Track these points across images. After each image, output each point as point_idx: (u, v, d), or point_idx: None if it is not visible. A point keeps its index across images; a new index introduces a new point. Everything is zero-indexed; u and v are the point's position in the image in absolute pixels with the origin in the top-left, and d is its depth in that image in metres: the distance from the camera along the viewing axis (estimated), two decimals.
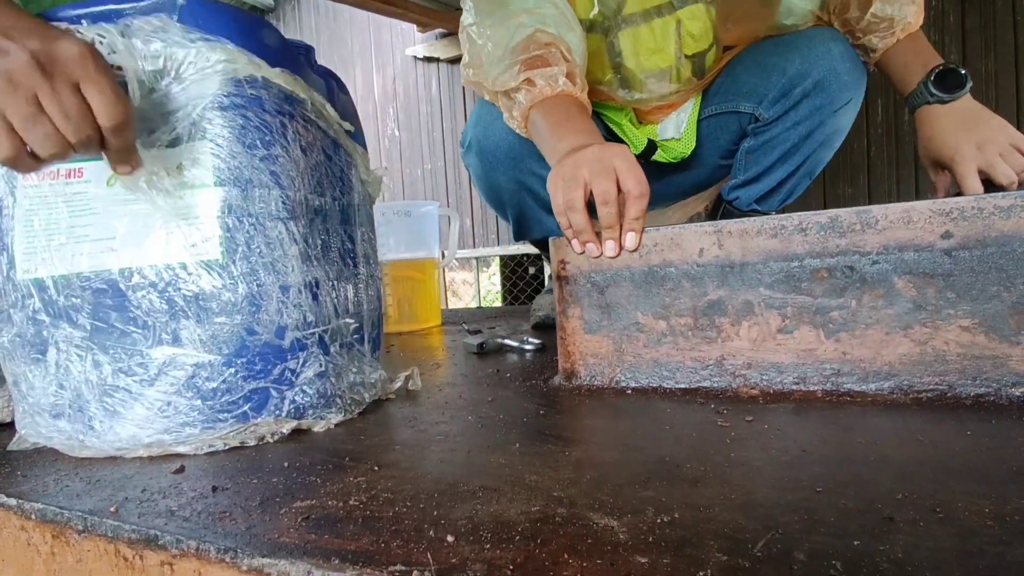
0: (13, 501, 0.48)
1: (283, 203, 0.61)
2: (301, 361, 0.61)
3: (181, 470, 0.52)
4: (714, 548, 0.33)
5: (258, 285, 0.59)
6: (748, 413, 0.58)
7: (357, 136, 0.79)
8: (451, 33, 3.81)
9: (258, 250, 0.59)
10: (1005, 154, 0.85)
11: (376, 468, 0.49)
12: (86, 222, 0.57)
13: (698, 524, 0.36)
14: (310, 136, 0.66)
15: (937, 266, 0.58)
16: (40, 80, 0.47)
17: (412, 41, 3.99)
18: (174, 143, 0.57)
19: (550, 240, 0.77)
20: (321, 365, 0.63)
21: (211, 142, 0.57)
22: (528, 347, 1.08)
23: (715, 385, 0.67)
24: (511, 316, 1.71)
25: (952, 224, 0.57)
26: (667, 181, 1.28)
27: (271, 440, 0.59)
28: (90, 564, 0.44)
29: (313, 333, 0.62)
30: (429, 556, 0.33)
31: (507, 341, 1.11)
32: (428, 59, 3.96)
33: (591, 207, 0.70)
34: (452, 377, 0.88)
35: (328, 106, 0.69)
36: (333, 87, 0.74)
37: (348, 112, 0.77)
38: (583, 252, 0.73)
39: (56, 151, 0.49)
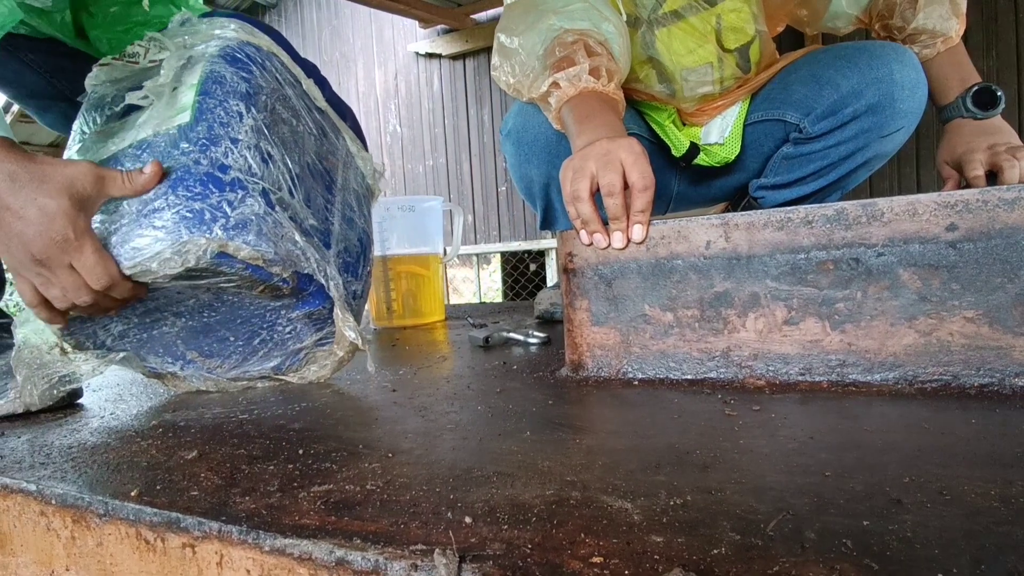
0: (33, 486, 0.49)
1: (247, 92, 0.72)
2: (239, 198, 0.66)
3: (198, 457, 0.53)
4: (727, 528, 0.33)
5: (210, 137, 0.67)
6: (755, 403, 0.59)
7: (352, 122, 0.91)
8: (453, 29, 3.81)
9: (219, 116, 0.69)
10: (1015, 156, 0.87)
11: (391, 455, 0.50)
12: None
13: (710, 506, 0.37)
14: (296, 107, 0.80)
15: (942, 258, 0.59)
16: (42, 269, 0.60)
17: (414, 37, 3.99)
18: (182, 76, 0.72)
19: (558, 233, 0.78)
20: (259, 210, 0.67)
21: (208, 63, 0.72)
22: (533, 340, 1.09)
23: (722, 376, 0.68)
24: (514, 310, 1.71)
25: (957, 216, 0.58)
26: (708, 184, 1.28)
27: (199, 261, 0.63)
28: (111, 548, 0.45)
29: (257, 184, 0.68)
30: (450, 535, 0.34)
31: (512, 335, 1.12)
32: (430, 55, 3.96)
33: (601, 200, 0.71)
34: (459, 369, 0.89)
35: (309, 79, 0.84)
36: (324, 81, 0.90)
37: (336, 100, 0.91)
38: (591, 243, 0.73)
39: (67, 307, 0.64)
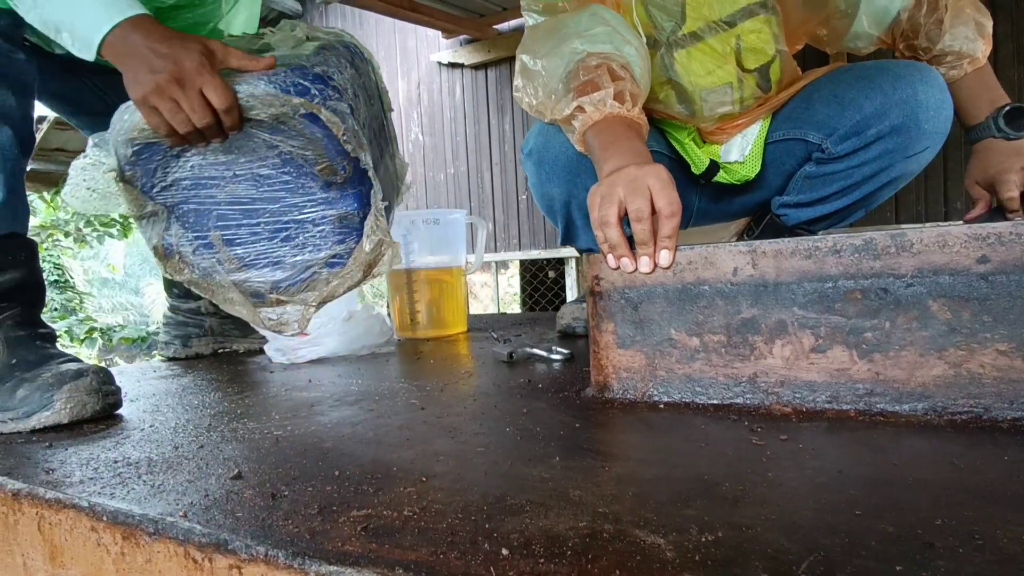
0: (85, 503, 0.52)
1: (351, 59, 0.90)
2: (334, 97, 0.82)
3: (239, 476, 0.55)
4: (759, 568, 0.34)
5: (324, 63, 0.85)
6: (782, 431, 0.60)
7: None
8: (475, 39, 3.84)
9: (331, 61, 0.86)
10: None
11: (424, 479, 0.52)
12: None
13: (742, 544, 0.37)
14: (373, 97, 0.96)
15: (973, 290, 0.59)
16: (178, 90, 0.76)
17: (437, 47, 4.04)
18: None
19: (584, 256, 0.79)
20: (346, 110, 0.84)
21: (328, 37, 0.91)
22: (556, 357, 1.10)
23: (748, 402, 0.68)
24: (536, 323, 1.73)
25: (989, 249, 0.58)
26: (728, 200, 1.28)
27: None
28: (159, 565, 0.47)
29: (344, 97, 0.85)
30: (492, 570, 0.35)
31: (535, 351, 1.13)
32: (452, 65, 4.00)
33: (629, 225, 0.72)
34: (485, 387, 0.90)
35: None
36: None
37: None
38: (617, 267, 0.74)
39: (189, 130, 0.78)
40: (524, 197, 3.86)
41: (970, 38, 1.01)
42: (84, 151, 0.86)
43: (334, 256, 0.88)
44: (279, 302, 0.89)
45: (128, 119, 0.82)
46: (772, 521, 0.40)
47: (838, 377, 0.65)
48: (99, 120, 1.08)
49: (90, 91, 1.13)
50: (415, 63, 4.17)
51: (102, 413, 0.82)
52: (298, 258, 0.88)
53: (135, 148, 0.83)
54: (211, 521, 0.45)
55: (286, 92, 0.79)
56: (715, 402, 0.70)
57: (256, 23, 1.15)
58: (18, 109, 0.87)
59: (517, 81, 1.00)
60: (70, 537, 0.53)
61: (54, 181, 5.69)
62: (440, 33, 3.92)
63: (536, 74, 0.95)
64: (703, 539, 0.38)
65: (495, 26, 3.81)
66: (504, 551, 0.38)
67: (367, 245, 0.88)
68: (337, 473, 0.55)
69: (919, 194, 2.74)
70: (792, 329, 0.66)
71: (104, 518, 0.50)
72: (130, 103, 0.81)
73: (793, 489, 0.45)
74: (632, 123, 0.86)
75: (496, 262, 4.07)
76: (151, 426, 0.77)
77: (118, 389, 0.86)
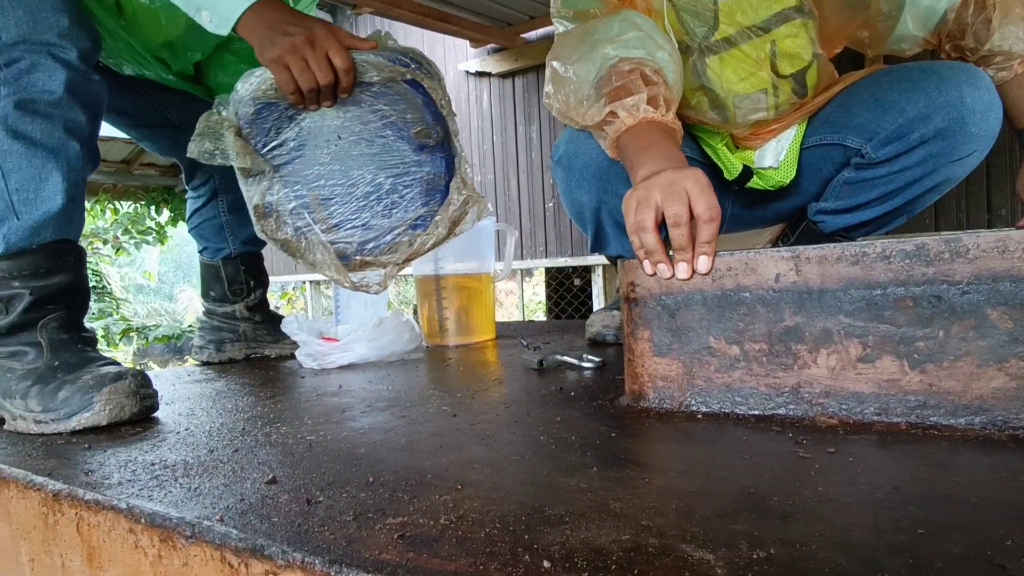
0: (124, 504, 0.52)
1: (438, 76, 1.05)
2: (433, 82, 1.04)
3: (273, 481, 0.55)
4: None
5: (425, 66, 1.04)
6: (829, 444, 0.57)
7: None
8: (502, 48, 3.86)
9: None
10: None
11: (459, 487, 0.51)
12: None
13: (796, 562, 0.36)
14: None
15: None
16: (309, 50, 0.90)
17: (465, 57, 4.06)
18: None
19: (619, 262, 0.78)
20: (443, 99, 1.04)
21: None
22: (587, 365, 1.08)
23: (791, 413, 0.66)
24: (564, 331, 1.71)
25: None
26: (762, 207, 1.26)
27: None
28: (196, 568, 0.47)
29: (445, 110, 1.05)
30: None
31: (566, 358, 1.12)
32: (480, 74, 4.02)
33: (665, 230, 0.71)
34: (516, 394, 0.89)
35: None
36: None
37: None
38: (654, 273, 0.73)
39: (312, 87, 0.93)
40: (551, 205, 3.85)
41: (1020, 38, 0.97)
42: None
43: (419, 218, 1.01)
44: (363, 264, 0.99)
45: (254, 81, 0.95)
46: (827, 538, 0.38)
47: (888, 388, 0.62)
48: (156, 131, 1.28)
49: (150, 105, 1.24)
50: (443, 72, 4.21)
51: (139, 415, 0.83)
52: (385, 221, 1.00)
53: (257, 107, 0.97)
54: (247, 526, 0.45)
55: (392, 63, 0.96)
56: (756, 413, 0.68)
57: None
58: (88, 127, 0.93)
59: (548, 87, 0.99)
60: (108, 539, 0.54)
61: (93, 191, 5.88)
62: (468, 43, 3.95)
63: (567, 80, 0.94)
64: (754, 556, 0.36)
65: (522, 35, 3.83)
66: (546, 563, 0.37)
67: (455, 202, 1.01)
68: (371, 479, 0.54)
69: (960, 201, 2.66)
70: (838, 338, 0.64)
71: (142, 520, 0.50)
72: (254, 70, 0.96)
73: (847, 505, 0.43)
74: (667, 128, 0.84)
75: (521, 270, 4.06)
76: (186, 429, 0.78)
77: (155, 392, 0.87)
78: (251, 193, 1.00)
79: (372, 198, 1.01)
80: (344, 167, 1.00)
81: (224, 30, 0.90)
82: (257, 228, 1.01)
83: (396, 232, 1.01)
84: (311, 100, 0.95)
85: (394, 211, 1.01)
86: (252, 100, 0.96)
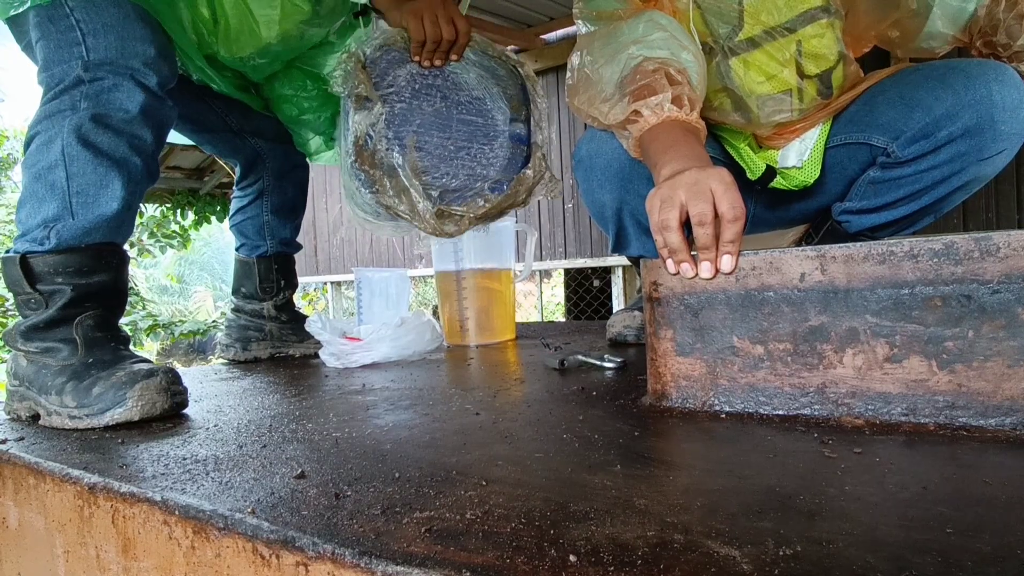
0: (158, 496, 0.53)
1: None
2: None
3: (302, 476, 0.56)
4: None
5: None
6: (855, 444, 0.57)
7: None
8: (523, 49, 3.87)
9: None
10: None
11: (484, 483, 0.51)
12: None
13: (823, 560, 0.35)
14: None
15: None
16: (441, 9, 1.14)
17: None
18: None
19: (642, 261, 0.78)
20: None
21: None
22: (609, 365, 1.08)
23: (816, 413, 0.66)
24: (585, 332, 1.71)
25: None
26: (785, 207, 1.25)
27: None
28: (228, 560, 0.48)
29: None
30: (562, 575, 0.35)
31: (587, 359, 1.12)
32: None
33: (688, 229, 0.71)
34: (538, 394, 0.89)
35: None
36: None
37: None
38: (677, 272, 0.73)
39: (437, 40, 1.15)
40: (570, 206, 3.85)
41: None
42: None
43: (497, 181, 1.16)
44: (441, 214, 1.10)
45: (383, 30, 1.17)
46: (854, 537, 0.38)
47: (915, 388, 0.61)
48: (218, 135, 1.38)
49: (213, 112, 1.34)
50: None
51: (170, 412, 0.85)
52: (470, 172, 1.14)
53: (384, 49, 1.15)
54: (278, 518, 0.46)
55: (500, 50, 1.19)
56: (780, 413, 0.67)
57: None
58: (152, 146, 0.99)
59: (570, 87, 1.00)
60: (143, 530, 0.55)
61: None
62: None
63: (591, 79, 0.95)
64: (781, 553, 0.36)
65: (542, 36, 3.83)
66: (572, 557, 0.37)
67: (533, 174, 1.20)
68: (397, 475, 0.55)
69: (989, 200, 2.60)
70: (864, 338, 0.63)
71: (176, 512, 0.51)
72: (379, 30, 1.18)
73: (874, 504, 0.43)
74: (691, 127, 0.84)
75: (540, 271, 4.06)
76: (215, 425, 0.80)
77: (185, 389, 0.89)
78: (357, 123, 1.11)
79: (463, 153, 1.16)
80: (443, 122, 1.16)
81: None
82: (352, 158, 1.11)
83: (478, 184, 1.16)
84: (431, 52, 1.14)
85: (478, 163, 1.15)
86: (380, 45, 1.14)
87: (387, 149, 1.13)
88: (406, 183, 1.12)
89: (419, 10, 1.11)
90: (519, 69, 1.22)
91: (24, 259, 0.89)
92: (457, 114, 1.19)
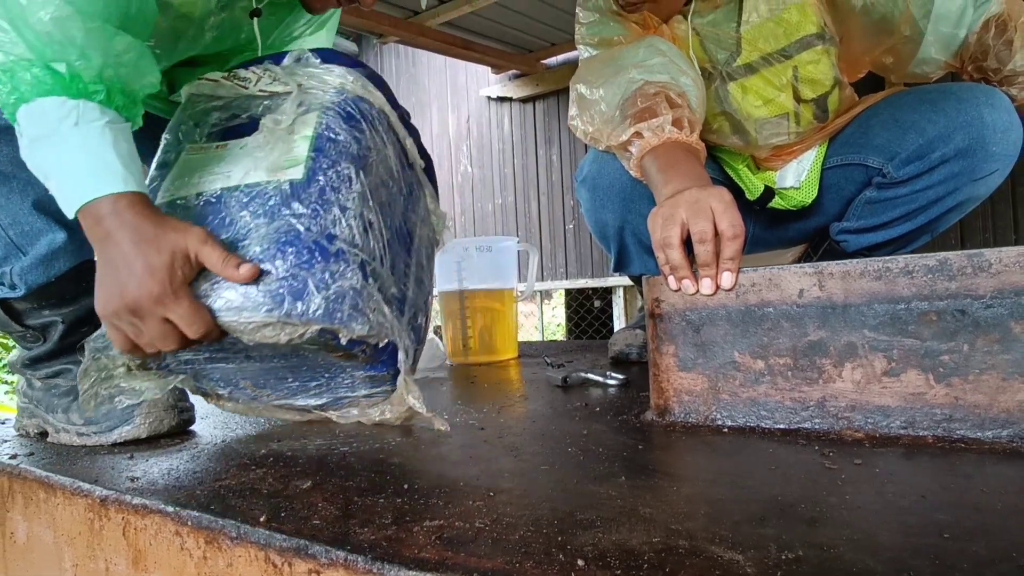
0: (170, 508, 0.54)
1: (357, 155, 0.74)
2: (340, 271, 0.67)
3: (313, 487, 0.57)
4: None
5: (322, 202, 0.69)
6: (855, 456, 0.58)
7: (430, 173, 0.93)
8: (523, 74, 3.94)
9: (331, 179, 0.71)
10: None
11: (492, 494, 0.52)
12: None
13: (824, 563, 0.36)
14: (393, 168, 0.81)
15: None
16: (130, 322, 0.64)
17: (487, 82, 4.15)
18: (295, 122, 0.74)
19: (644, 279, 0.79)
20: (357, 283, 0.68)
21: (323, 115, 0.74)
22: (611, 382, 1.09)
23: (816, 427, 0.67)
24: (587, 350, 1.72)
25: None
26: (784, 227, 1.27)
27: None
28: (240, 569, 0.49)
29: (357, 256, 0.69)
30: None
31: (590, 375, 1.13)
32: (501, 99, 4.10)
33: (689, 246, 0.73)
34: (541, 409, 0.90)
35: (408, 138, 0.86)
36: (415, 131, 0.90)
37: (422, 152, 0.92)
38: (679, 289, 0.74)
39: (155, 352, 0.67)
40: (571, 227, 3.88)
41: None
42: None
43: (370, 394, 0.81)
44: (324, 415, 0.86)
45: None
46: (855, 542, 0.39)
47: (913, 402, 0.62)
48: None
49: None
50: (465, 98, 4.30)
51: (177, 429, 0.86)
52: (335, 394, 0.81)
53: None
54: (290, 528, 0.47)
55: (280, 306, 0.63)
56: (782, 426, 0.68)
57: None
58: None
59: (572, 110, 1.02)
60: (155, 541, 0.56)
61: None
62: (490, 69, 4.04)
63: (592, 103, 0.97)
64: (783, 557, 0.37)
65: (543, 61, 3.91)
66: (580, 562, 0.38)
67: (409, 400, 0.76)
68: (406, 486, 0.56)
69: (986, 220, 2.63)
70: (863, 352, 0.65)
71: (188, 523, 0.52)
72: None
73: (874, 512, 0.44)
74: (691, 148, 0.86)
75: (541, 291, 4.09)
76: (223, 441, 0.81)
77: (192, 406, 0.90)
78: (182, 385, 0.82)
79: (307, 389, 0.82)
80: (260, 374, 0.79)
81: (68, 215, 0.66)
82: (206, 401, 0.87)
83: (349, 400, 0.83)
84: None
85: (340, 390, 0.81)
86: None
87: (229, 395, 0.84)
88: (272, 407, 0.86)
89: (110, 316, 0.65)
90: (332, 326, 0.66)
91: (3, 303, 0.85)
92: (280, 364, 0.76)
